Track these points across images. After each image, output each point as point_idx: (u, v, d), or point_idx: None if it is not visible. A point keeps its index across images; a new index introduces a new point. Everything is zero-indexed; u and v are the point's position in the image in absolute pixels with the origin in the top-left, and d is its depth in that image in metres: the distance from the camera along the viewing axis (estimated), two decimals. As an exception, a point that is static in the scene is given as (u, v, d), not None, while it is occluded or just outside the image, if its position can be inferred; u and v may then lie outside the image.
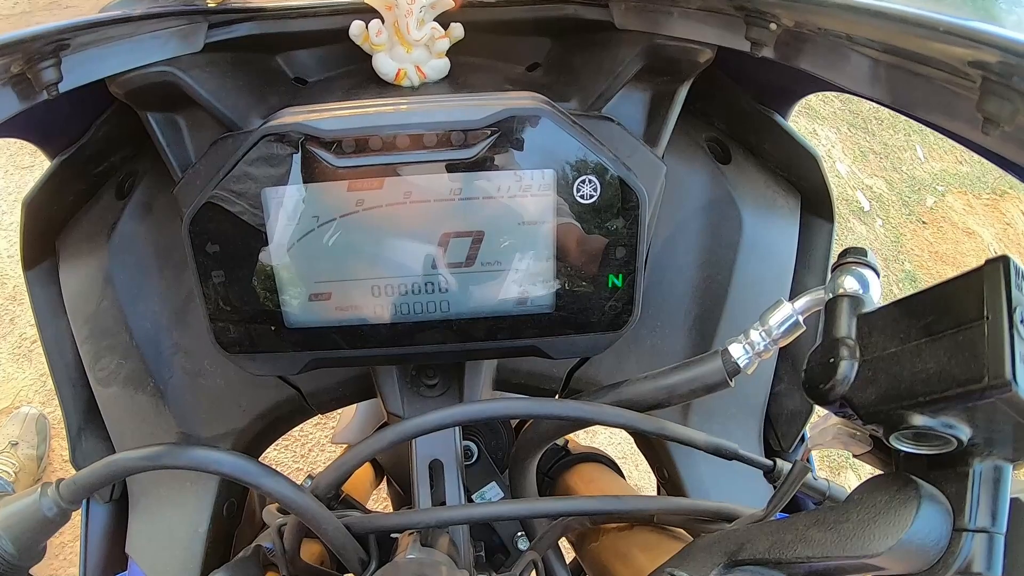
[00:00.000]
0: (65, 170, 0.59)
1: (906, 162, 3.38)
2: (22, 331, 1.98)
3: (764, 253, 0.65)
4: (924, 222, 3.16)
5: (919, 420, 0.35)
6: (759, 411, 0.70)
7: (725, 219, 0.64)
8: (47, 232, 0.65)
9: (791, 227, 0.67)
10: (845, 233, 2.88)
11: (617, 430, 1.98)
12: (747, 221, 0.64)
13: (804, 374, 0.42)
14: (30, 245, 0.64)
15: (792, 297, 0.68)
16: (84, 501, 0.68)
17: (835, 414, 0.42)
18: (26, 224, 0.61)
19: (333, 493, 0.49)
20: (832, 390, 0.39)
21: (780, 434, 0.72)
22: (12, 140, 0.58)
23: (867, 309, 0.41)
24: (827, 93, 3.37)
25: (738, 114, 0.65)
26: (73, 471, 0.65)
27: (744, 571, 0.41)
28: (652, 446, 0.69)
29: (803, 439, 0.72)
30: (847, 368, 0.39)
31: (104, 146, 0.61)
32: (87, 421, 0.68)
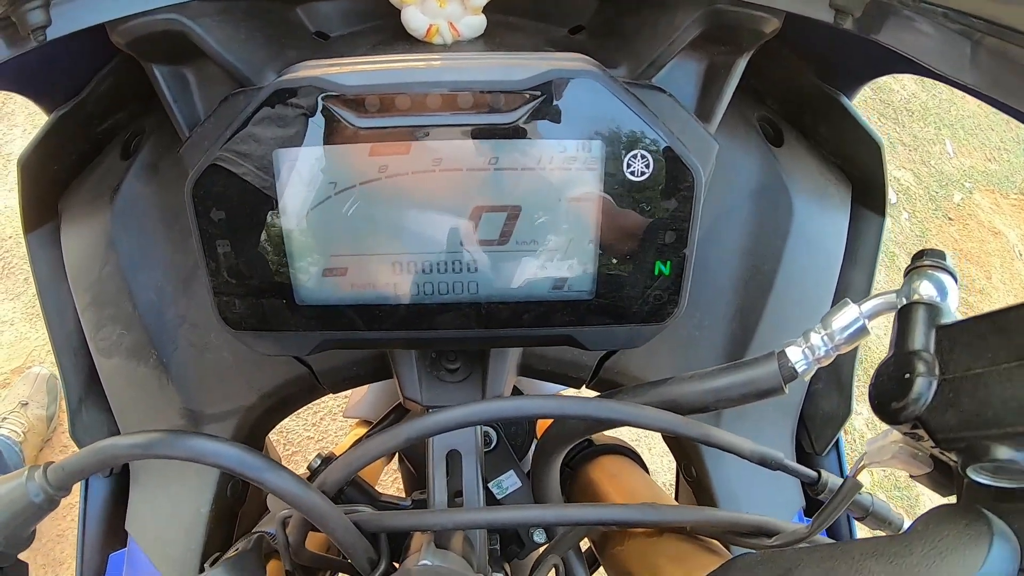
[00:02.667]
0: (64, 126, 0.55)
1: (935, 156, 3.33)
2: (35, 291, 1.97)
3: (813, 245, 0.60)
4: (950, 218, 3.11)
5: (1006, 453, 0.31)
6: (794, 411, 0.66)
7: (775, 206, 0.59)
8: (49, 193, 0.61)
9: (842, 218, 0.62)
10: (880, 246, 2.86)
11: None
12: (798, 209, 0.59)
13: (872, 388, 0.38)
14: (30, 206, 0.60)
15: (838, 294, 0.64)
16: (84, 475, 0.66)
17: (903, 434, 0.38)
18: (24, 184, 0.57)
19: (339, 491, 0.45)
20: (906, 409, 0.35)
21: (814, 436, 0.68)
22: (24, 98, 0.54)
23: (945, 320, 0.37)
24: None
25: (796, 93, 0.60)
26: (68, 431, 0.63)
27: None
28: (681, 444, 0.65)
29: (837, 443, 0.68)
30: (924, 386, 0.34)
31: (107, 102, 0.57)
32: (88, 392, 0.65)
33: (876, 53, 0.51)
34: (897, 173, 3.12)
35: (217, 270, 0.43)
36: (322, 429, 1.87)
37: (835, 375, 0.66)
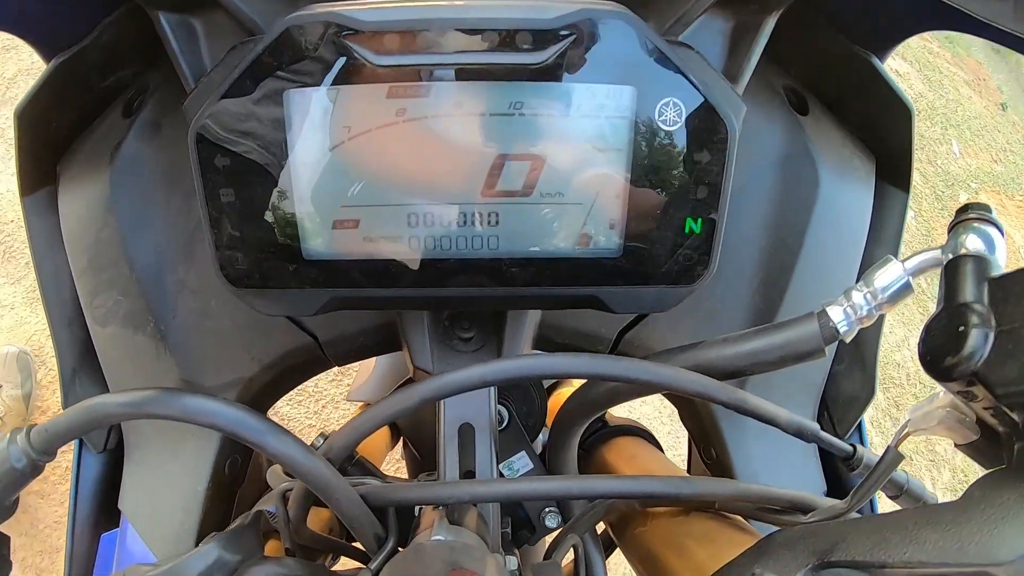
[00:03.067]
0: (64, 76, 0.52)
1: (941, 156, 3.33)
2: (32, 260, 1.95)
3: (838, 218, 0.58)
4: (957, 219, 3.11)
5: None
6: (816, 391, 0.64)
7: (801, 176, 0.57)
8: (47, 154, 0.58)
9: (867, 192, 0.60)
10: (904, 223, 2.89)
11: (639, 404, 1.93)
12: (824, 180, 0.57)
13: (923, 345, 0.35)
14: (28, 167, 0.57)
15: (862, 270, 0.62)
16: (76, 450, 0.63)
17: (956, 393, 0.36)
18: (22, 141, 0.55)
19: (347, 456, 0.42)
20: (960, 364, 0.32)
21: (836, 418, 0.66)
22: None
23: (995, 272, 0.34)
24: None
25: (823, 58, 0.57)
26: (61, 405, 0.60)
27: (836, 573, 0.34)
28: (698, 415, 0.63)
29: (860, 426, 0.66)
30: (979, 338, 0.32)
31: (111, 55, 0.54)
32: (82, 363, 0.62)
33: (911, 8, 0.49)
34: (903, 172, 3.12)
35: (220, 221, 0.41)
36: (324, 417, 1.84)
37: (858, 355, 0.63)
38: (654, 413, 1.97)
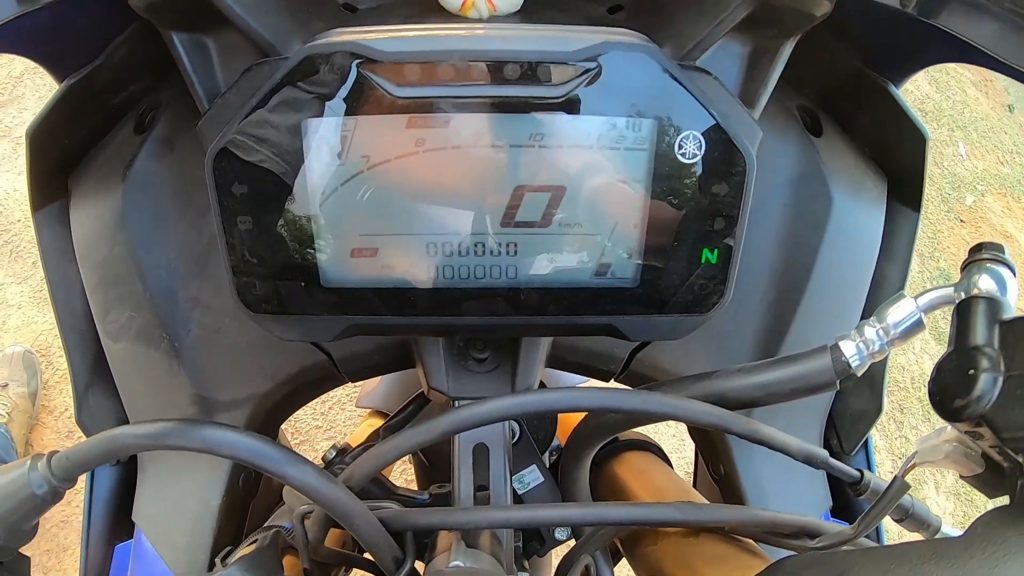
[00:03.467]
0: (75, 96, 0.52)
1: (947, 158, 3.32)
2: (43, 275, 1.95)
3: (850, 238, 0.58)
4: (962, 220, 3.11)
5: None
6: (824, 408, 0.64)
7: (814, 197, 0.57)
8: (58, 169, 0.59)
9: (878, 213, 0.60)
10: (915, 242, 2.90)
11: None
12: (836, 201, 0.57)
13: (932, 384, 0.35)
14: (39, 183, 0.58)
15: (872, 289, 0.62)
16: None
17: (963, 432, 0.36)
18: (33, 158, 0.55)
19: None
20: (969, 407, 0.33)
21: (842, 435, 0.66)
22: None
23: (1006, 314, 0.35)
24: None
25: (839, 81, 0.57)
26: (67, 419, 0.61)
27: None
28: (710, 440, 0.63)
29: (866, 443, 0.66)
30: (988, 383, 0.32)
31: (122, 72, 0.54)
32: (95, 377, 0.63)
33: (931, 40, 0.49)
34: (909, 175, 3.12)
35: (237, 248, 0.41)
36: (331, 419, 1.85)
37: (866, 373, 0.64)
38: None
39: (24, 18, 0.37)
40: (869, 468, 0.67)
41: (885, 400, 0.64)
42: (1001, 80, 3.97)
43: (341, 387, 1.86)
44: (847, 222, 0.58)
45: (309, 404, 1.83)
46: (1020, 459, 0.33)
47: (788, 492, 0.62)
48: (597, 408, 0.39)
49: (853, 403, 0.65)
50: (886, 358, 0.63)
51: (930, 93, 3.48)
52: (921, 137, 0.55)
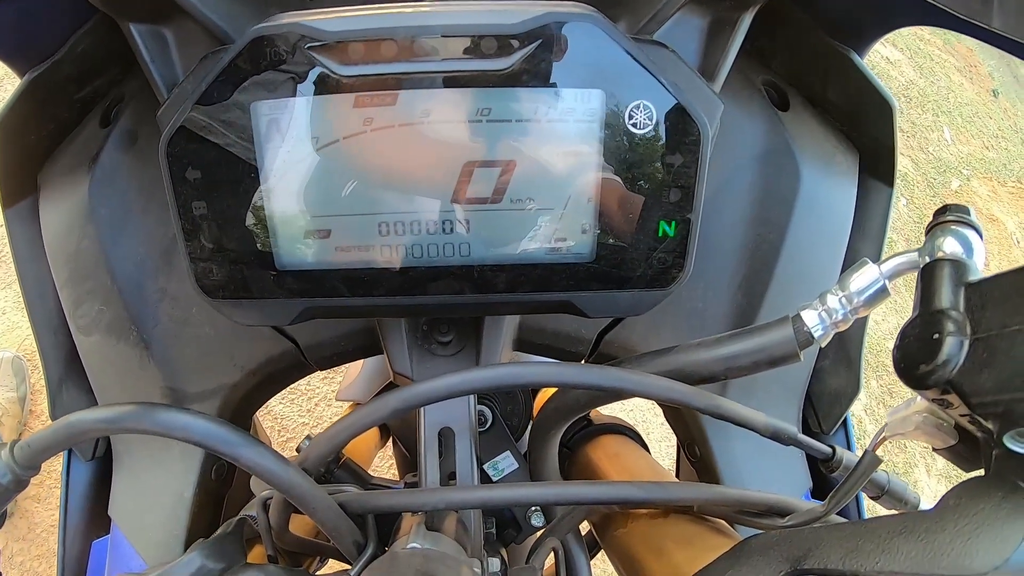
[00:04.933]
0: (39, 90, 0.52)
1: (933, 143, 3.33)
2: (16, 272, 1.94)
3: (820, 214, 0.58)
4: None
5: None
6: (800, 389, 0.64)
7: (782, 172, 0.57)
8: (27, 165, 0.58)
9: (849, 187, 0.60)
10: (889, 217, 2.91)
11: (630, 399, 1.94)
12: (805, 176, 0.57)
13: (896, 351, 0.35)
14: (8, 179, 0.57)
15: (846, 266, 0.62)
16: (65, 459, 0.64)
17: (931, 401, 0.35)
18: (1, 154, 0.55)
19: (326, 465, 0.42)
20: (935, 372, 0.32)
21: (821, 414, 0.66)
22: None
23: (973, 277, 0.34)
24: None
25: (803, 53, 0.57)
26: (48, 413, 0.61)
27: None
28: (682, 418, 0.63)
29: (845, 421, 0.66)
30: (954, 346, 0.31)
31: (85, 65, 0.54)
32: (68, 371, 0.62)
33: (894, 5, 0.49)
34: (895, 159, 3.12)
35: (193, 233, 0.40)
36: (317, 415, 1.85)
37: (843, 351, 0.63)
38: (648, 405, 1.98)
39: None
40: (849, 448, 0.66)
41: (863, 380, 0.64)
42: (985, 65, 3.98)
43: (327, 383, 1.85)
44: (817, 197, 0.57)
45: (295, 401, 1.84)
46: (991, 426, 0.32)
47: (765, 473, 0.62)
48: (555, 382, 0.38)
49: (830, 383, 0.65)
50: (863, 337, 0.63)
51: (914, 79, 3.49)
52: (888, 107, 0.55)
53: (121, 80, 0.57)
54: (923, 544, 0.32)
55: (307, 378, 1.87)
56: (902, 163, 3.13)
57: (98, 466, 0.64)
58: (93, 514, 0.64)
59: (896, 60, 3.52)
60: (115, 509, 0.62)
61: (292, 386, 1.82)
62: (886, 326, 2.56)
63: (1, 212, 0.59)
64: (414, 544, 0.37)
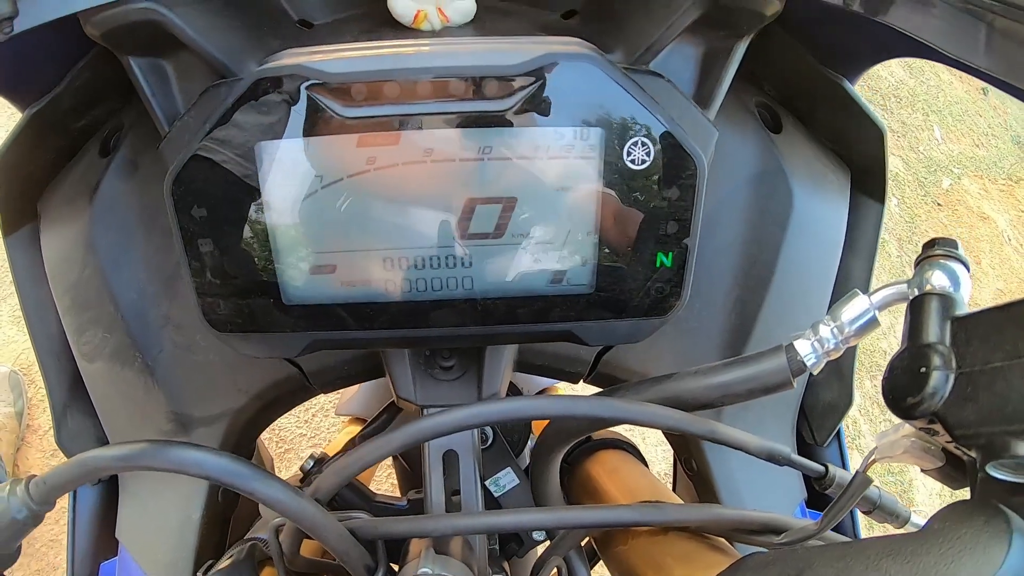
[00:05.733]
0: (39, 124, 0.53)
1: (923, 142, 3.34)
2: (18, 298, 1.94)
3: (813, 233, 0.59)
4: (939, 204, 3.14)
5: None
6: (795, 402, 0.65)
7: (775, 193, 0.58)
8: (27, 194, 0.59)
9: (841, 206, 0.61)
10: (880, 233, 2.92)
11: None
12: (798, 197, 0.58)
13: (885, 383, 0.36)
14: (8, 208, 0.58)
15: (838, 283, 0.63)
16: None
17: (918, 429, 0.37)
18: (2, 186, 0.55)
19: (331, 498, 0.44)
20: (921, 404, 0.33)
21: (814, 427, 0.67)
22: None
23: (959, 311, 0.35)
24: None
25: (795, 78, 0.58)
26: (52, 438, 0.61)
27: None
28: (681, 437, 0.64)
29: (838, 434, 0.67)
30: (940, 380, 0.33)
31: (84, 97, 0.54)
32: (73, 397, 0.63)
33: (881, 36, 0.50)
34: (886, 159, 3.13)
35: (200, 270, 0.41)
36: (314, 426, 1.85)
37: (835, 364, 0.64)
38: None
39: None
40: (842, 459, 0.68)
41: (856, 392, 0.65)
42: (975, 63, 3.99)
43: (325, 394, 1.86)
44: (809, 217, 0.58)
45: (293, 413, 1.84)
46: (974, 455, 0.33)
47: (760, 485, 0.63)
48: (556, 415, 0.39)
49: (823, 396, 0.66)
50: (855, 351, 0.65)
51: (904, 79, 3.51)
52: (878, 131, 0.56)
53: (119, 109, 0.58)
54: (910, 566, 0.33)
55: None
56: (893, 163, 3.14)
57: (104, 490, 0.65)
58: (101, 537, 0.64)
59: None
60: (122, 532, 0.62)
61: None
62: (879, 328, 2.57)
63: (1, 239, 0.60)
64: (425, 569, 0.38)
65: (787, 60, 0.57)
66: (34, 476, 0.41)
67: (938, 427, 0.33)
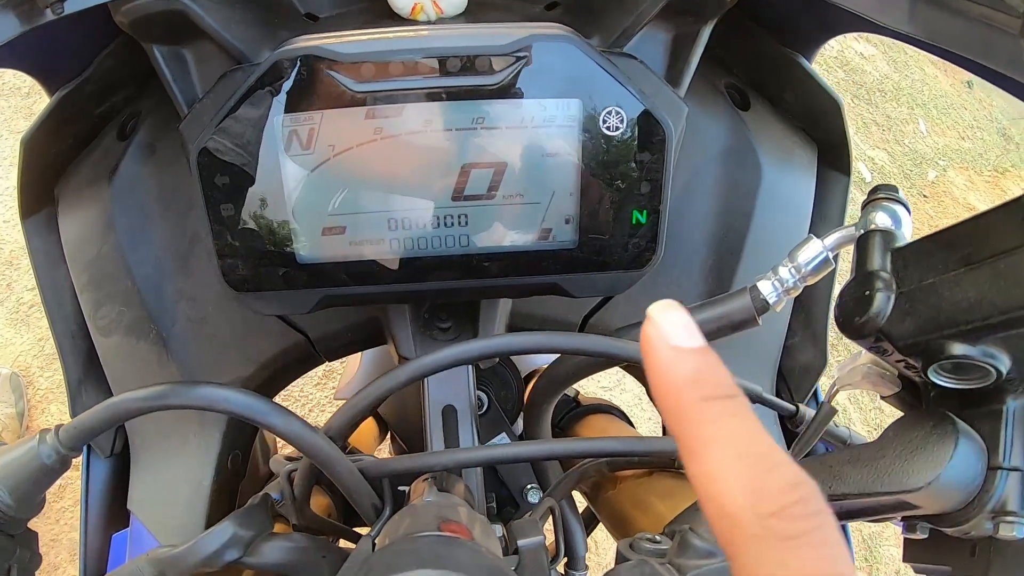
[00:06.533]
0: (65, 107, 0.57)
1: (908, 135, 3.38)
2: (19, 296, 1.97)
3: (782, 203, 0.64)
4: (925, 196, 3.17)
5: (959, 349, 0.35)
6: (772, 364, 0.69)
7: (744, 167, 0.63)
8: (45, 178, 0.63)
9: (808, 178, 0.66)
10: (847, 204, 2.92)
11: (620, 393, 2.00)
12: (766, 170, 0.62)
13: (837, 309, 0.41)
14: (28, 191, 0.62)
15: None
16: (84, 456, 0.67)
17: (868, 349, 0.41)
18: (25, 167, 0.59)
19: (344, 438, 0.47)
20: (868, 323, 0.38)
21: (793, 388, 0.71)
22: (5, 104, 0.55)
23: (899, 243, 0.40)
24: (830, 63, 3.35)
25: (759, 59, 0.63)
26: (69, 412, 0.64)
27: None
28: None
29: (816, 394, 0.72)
30: (883, 300, 0.38)
31: (106, 83, 0.59)
32: (87, 373, 0.66)
33: (828, 15, 0.55)
34: (872, 153, 3.18)
35: (222, 233, 0.46)
36: (311, 420, 1.88)
37: (810, 329, 0.69)
38: (633, 397, 2.04)
39: (23, 35, 0.42)
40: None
41: (829, 353, 0.69)
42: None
43: (320, 390, 1.89)
44: (778, 189, 0.63)
45: (291, 407, 1.87)
46: (915, 363, 0.38)
47: None
48: (542, 349, 0.44)
49: (800, 358, 0.70)
50: (827, 316, 0.69)
51: (888, 73, 3.56)
52: (835, 104, 0.61)
53: (137, 96, 0.62)
54: (868, 469, 0.38)
55: (300, 386, 1.92)
56: (879, 156, 3.18)
57: (116, 462, 0.67)
58: (112, 509, 0.67)
59: (870, 55, 3.58)
60: (134, 502, 0.65)
61: (286, 394, 1.86)
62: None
63: (20, 222, 0.63)
64: (429, 499, 0.42)
65: (750, 43, 0.62)
66: (62, 424, 0.44)
67: (885, 345, 0.38)
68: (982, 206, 3.24)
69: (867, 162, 3.10)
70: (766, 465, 0.18)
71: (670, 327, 0.21)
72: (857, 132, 3.18)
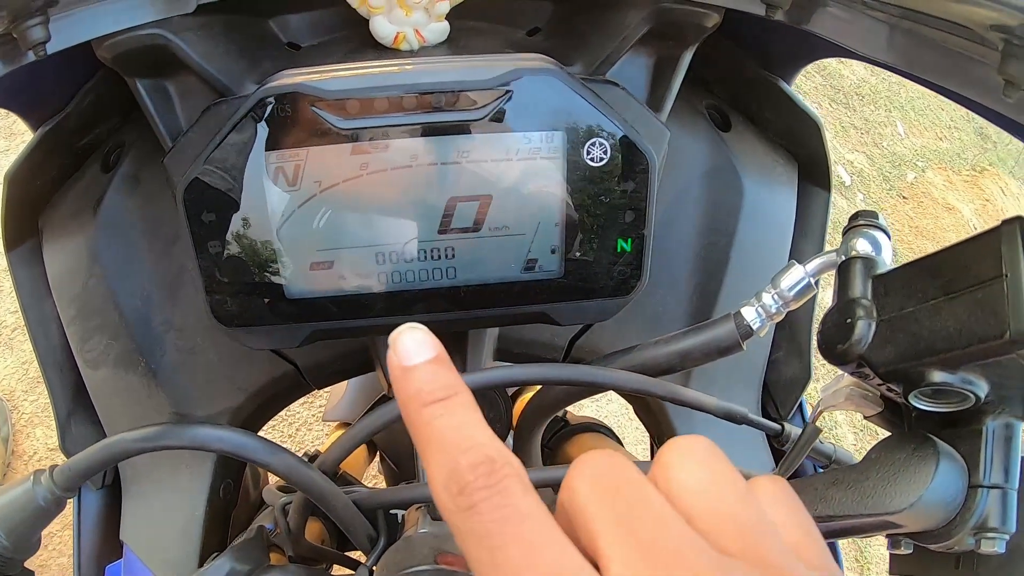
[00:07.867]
0: (49, 141, 0.57)
1: (887, 138, 3.41)
2: (2, 319, 1.95)
3: (764, 220, 0.65)
4: (904, 197, 3.20)
5: (939, 376, 0.36)
6: (758, 379, 0.70)
7: (726, 186, 0.63)
8: (29, 210, 0.62)
9: (790, 195, 0.67)
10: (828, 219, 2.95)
11: (606, 404, 2.00)
12: (748, 188, 0.63)
13: (819, 336, 0.42)
14: (12, 223, 0.61)
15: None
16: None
17: (850, 374, 0.42)
18: (8, 200, 0.59)
19: (335, 470, 0.48)
20: (849, 350, 0.39)
21: (778, 402, 0.72)
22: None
23: (880, 270, 0.41)
24: (808, 69, 3.38)
25: (740, 81, 0.64)
26: (53, 452, 0.64)
27: None
28: (652, 413, 0.69)
29: (801, 407, 0.73)
30: (864, 328, 0.39)
31: (89, 117, 0.59)
32: (76, 406, 0.66)
33: (807, 40, 0.56)
34: (850, 156, 3.20)
35: (209, 269, 0.46)
36: (299, 440, 1.88)
37: (795, 344, 0.70)
38: (621, 412, 2.05)
39: (5, 76, 0.42)
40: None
41: (813, 368, 0.70)
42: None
43: (307, 408, 1.88)
44: (760, 206, 0.64)
45: (277, 427, 1.87)
46: (896, 388, 0.39)
47: (731, 458, 0.67)
48: (534, 381, 0.44)
49: (785, 373, 0.71)
50: (811, 331, 0.70)
51: (865, 77, 3.58)
52: (815, 124, 0.62)
53: (120, 128, 0.62)
54: (852, 492, 0.39)
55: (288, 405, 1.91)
56: (857, 160, 3.20)
57: (107, 493, 0.67)
58: (105, 541, 0.66)
59: (847, 60, 3.61)
60: (127, 533, 0.64)
61: (275, 411, 1.85)
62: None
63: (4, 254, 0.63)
64: (423, 530, 0.43)
65: (730, 65, 0.63)
66: (56, 466, 0.44)
67: (867, 370, 0.39)
68: (961, 205, 3.28)
69: (846, 165, 3.13)
70: (461, 448, 0.20)
71: (402, 350, 0.23)
72: (836, 136, 3.21)
